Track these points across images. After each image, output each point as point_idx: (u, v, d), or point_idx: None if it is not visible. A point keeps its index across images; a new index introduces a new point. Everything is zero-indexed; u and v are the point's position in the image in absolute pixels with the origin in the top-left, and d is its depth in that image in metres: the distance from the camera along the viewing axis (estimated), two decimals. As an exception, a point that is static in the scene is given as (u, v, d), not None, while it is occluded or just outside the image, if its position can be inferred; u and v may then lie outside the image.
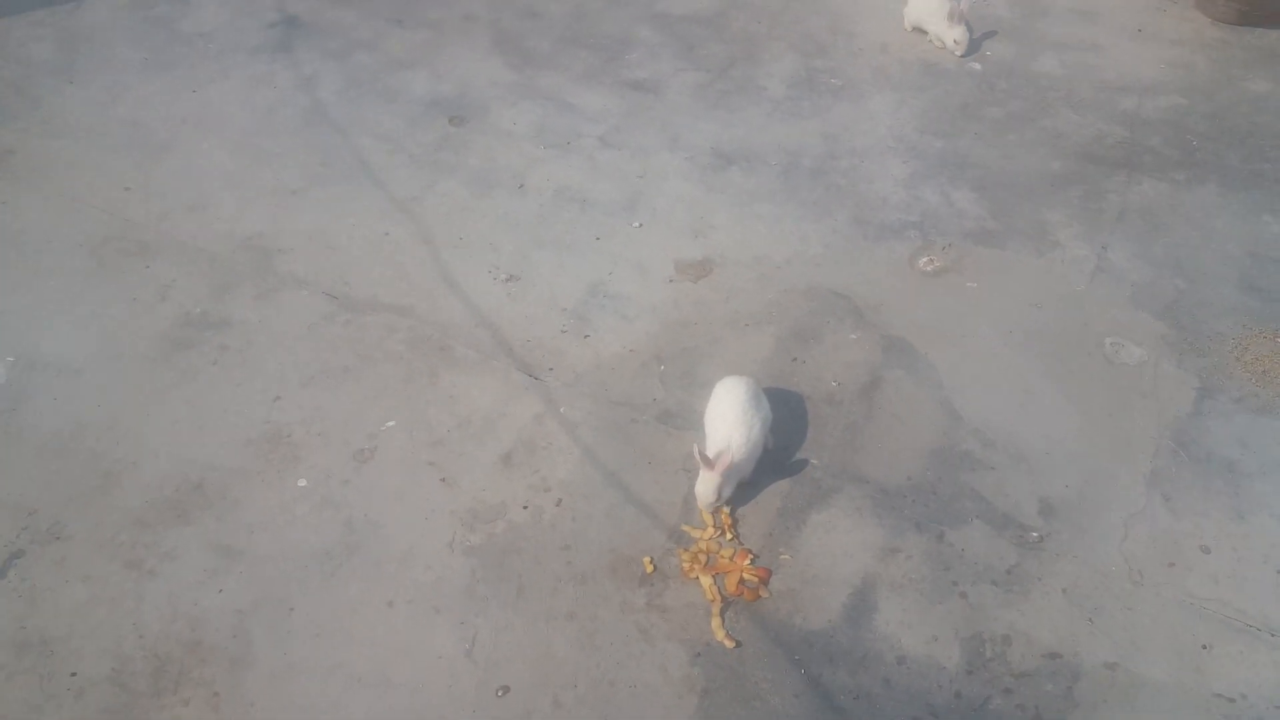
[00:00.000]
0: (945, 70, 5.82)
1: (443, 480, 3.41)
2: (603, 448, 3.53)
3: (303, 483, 3.38)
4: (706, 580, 3.13)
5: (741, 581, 3.13)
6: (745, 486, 3.42)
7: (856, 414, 3.73)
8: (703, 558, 3.20)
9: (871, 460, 3.55)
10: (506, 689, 2.86)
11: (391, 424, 3.58)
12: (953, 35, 5.80)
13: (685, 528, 3.30)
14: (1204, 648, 3.01)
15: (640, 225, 4.59)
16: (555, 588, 3.11)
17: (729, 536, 3.27)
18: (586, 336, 3.99)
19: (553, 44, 5.88)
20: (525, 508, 3.33)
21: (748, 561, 3.20)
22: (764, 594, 3.13)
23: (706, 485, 3.18)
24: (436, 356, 3.85)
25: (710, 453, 3.19)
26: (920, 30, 5.98)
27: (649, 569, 3.17)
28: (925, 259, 4.52)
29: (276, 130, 5.05)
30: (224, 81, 5.42)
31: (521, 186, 4.77)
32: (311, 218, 4.50)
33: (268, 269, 4.21)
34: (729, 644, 2.99)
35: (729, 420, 3.27)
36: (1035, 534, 3.35)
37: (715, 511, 3.31)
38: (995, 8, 6.44)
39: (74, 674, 2.87)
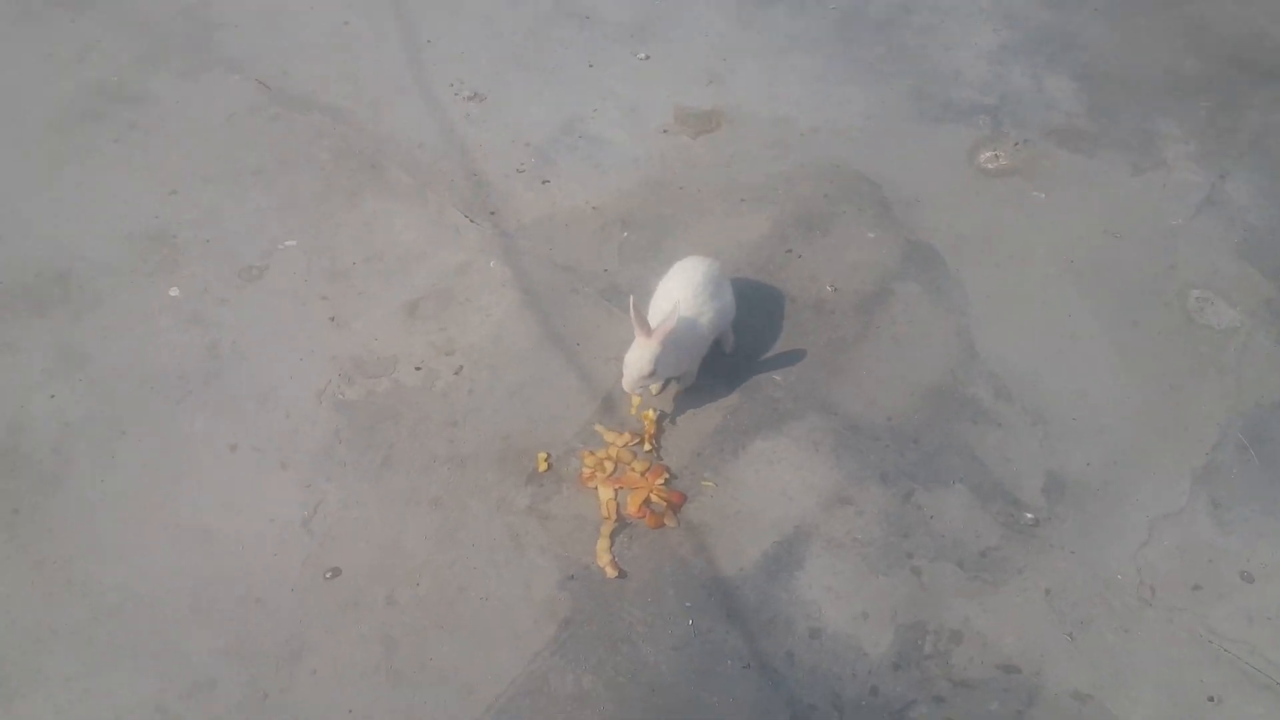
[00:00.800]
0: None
1: (332, 319, 2.90)
2: (528, 316, 2.96)
3: (175, 292, 2.92)
4: (606, 493, 2.61)
5: (647, 503, 2.60)
6: (684, 393, 2.83)
7: (847, 329, 3.06)
8: (609, 465, 2.67)
9: (848, 388, 2.91)
10: (337, 571, 2.44)
11: (292, 243, 3.06)
12: None
13: (599, 428, 2.75)
14: (1210, 700, 2.38)
15: (646, 57, 3.82)
16: (427, 467, 2.63)
17: (647, 448, 2.72)
18: (545, 182, 3.34)
19: None
20: (418, 369, 2.82)
21: (660, 481, 2.65)
22: (669, 523, 2.59)
23: (640, 355, 2.55)
24: (364, 174, 3.27)
25: (652, 321, 2.59)
26: None
27: (542, 466, 2.66)
28: (989, 154, 3.67)
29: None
30: None
31: (518, -10, 4.01)
32: (266, -8, 3.87)
33: (201, 44, 3.63)
34: (611, 572, 2.49)
35: (679, 299, 2.66)
36: (1030, 515, 2.70)
37: (639, 412, 2.74)
38: None
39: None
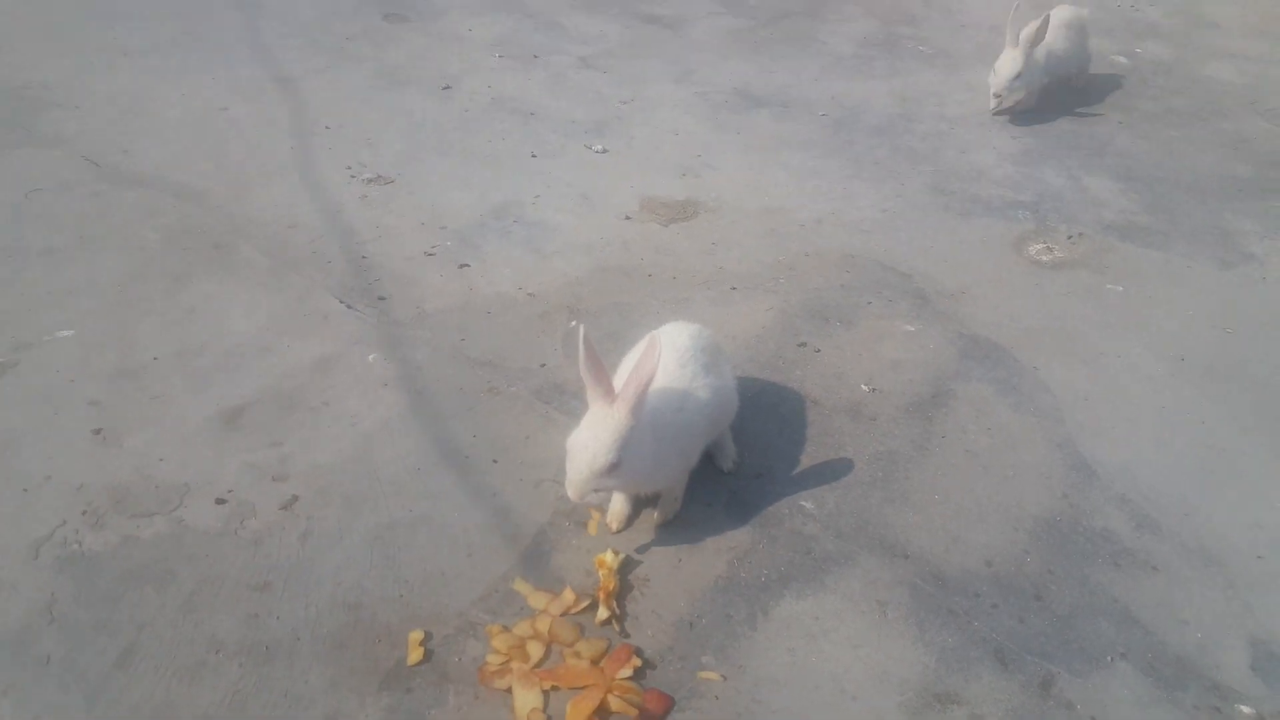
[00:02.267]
0: (1077, 59, 4.33)
1: (97, 432, 1.87)
2: (416, 425, 1.96)
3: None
4: (528, 698, 1.47)
5: (603, 713, 1.46)
6: (665, 527, 1.78)
7: (899, 439, 2.08)
8: (535, 649, 1.55)
9: (915, 520, 1.88)
10: None
11: (67, 334, 2.10)
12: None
13: (520, 586, 1.66)
14: None
15: (604, 151, 3.14)
16: (202, 663, 1.49)
17: (603, 616, 1.61)
18: (464, 266, 2.48)
19: (561, -27, 4.66)
20: (221, 501, 1.75)
21: (626, 673, 1.52)
22: (644, 750, 1.44)
23: (597, 435, 1.55)
24: (202, 255, 2.39)
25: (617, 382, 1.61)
26: None
27: (415, 655, 1.53)
28: (1040, 245, 2.92)
29: None
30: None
31: (447, 88, 3.41)
32: (131, 79, 3.22)
33: (25, 122, 2.89)
34: None
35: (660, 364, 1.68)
36: (1248, 710, 1.61)
37: (598, 552, 1.67)
38: (1145, 13, 5.00)
39: None
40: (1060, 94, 3.89)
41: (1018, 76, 3.15)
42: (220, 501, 1.74)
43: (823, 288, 2.59)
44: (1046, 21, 3.20)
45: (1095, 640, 1.71)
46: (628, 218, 2.79)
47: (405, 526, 1.73)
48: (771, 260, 2.68)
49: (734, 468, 1.94)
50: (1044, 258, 2.87)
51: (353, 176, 2.80)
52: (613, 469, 1.53)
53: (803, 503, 1.89)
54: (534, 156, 3.04)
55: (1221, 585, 1.86)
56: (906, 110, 3.70)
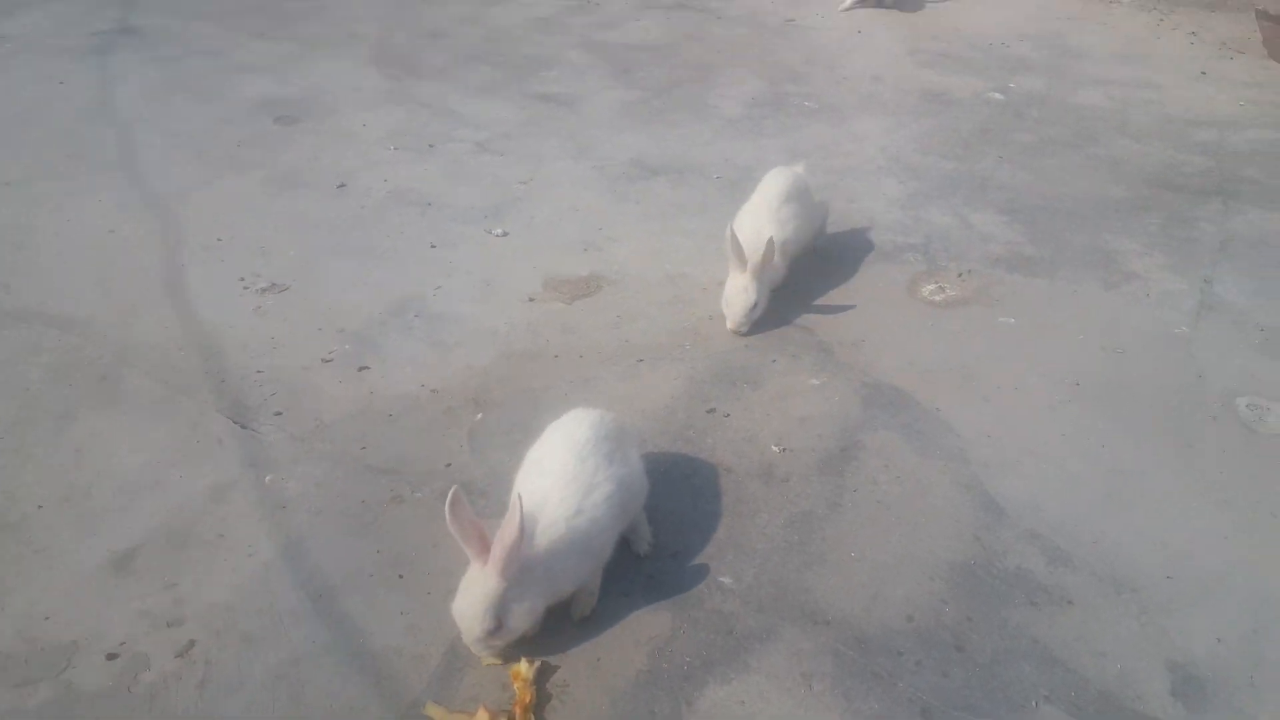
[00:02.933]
0: (956, 99, 4.54)
1: (-25, 594, 1.76)
2: (318, 547, 1.90)
3: None
4: (447, 833, 1.41)
5: (524, 838, 1.40)
6: (581, 622, 1.74)
7: (813, 499, 2.09)
8: (451, 777, 1.49)
9: (835, 581, 1.88)
10: None
11: (-62, 493, 1.99)
12: None
13: (431, 710, 1.60)
14: None
15: (504, 234, 3.15)
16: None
17: (519, 730, 1.56)
18: (364, 369, 2.43)
19: (452, 60, 4.71)
20: (113, 656, 1.66)
21: (546, 789, 1.47)
22: None
23: (468, 608, 1.58)
24: (89, 389, 2.31)
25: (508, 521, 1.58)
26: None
27: (327, 801, 1.46)
28: (932, 286, 3.00)
29: (29, 123, 3.76)
30: (-1, 76, 4.23)
31: (342, 186, 3.39)
32: (10, 212, 3.12)
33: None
34: None
35: (553, 474, 1.67)
36: (1177, 740, 1.62)
37: (506, 664, 1.62)
38: (1016, 49, 5.26)
39: None
40: (943, 136, 4.05)
41: (754, 306, 2.59)
42: (111, 657, 1.65)
43: (728, 350, 2.62)
44: (772, 245, 2.59)
45: (1018, 686, 1.71)
46: (531, 299, 2.79)
47: (309, 660, 1.66)
48: (676, 328, 2.70)
49: (650, 550, 1.92)
50: (937, 298, 2.95)
51: (246, 288, 2.75)
52: (494, 633, 1.56)
53: (721, 578, 1.88)
54: (433, 247, 3.03)
55: (1135, 612, 1.89)
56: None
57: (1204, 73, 5.02)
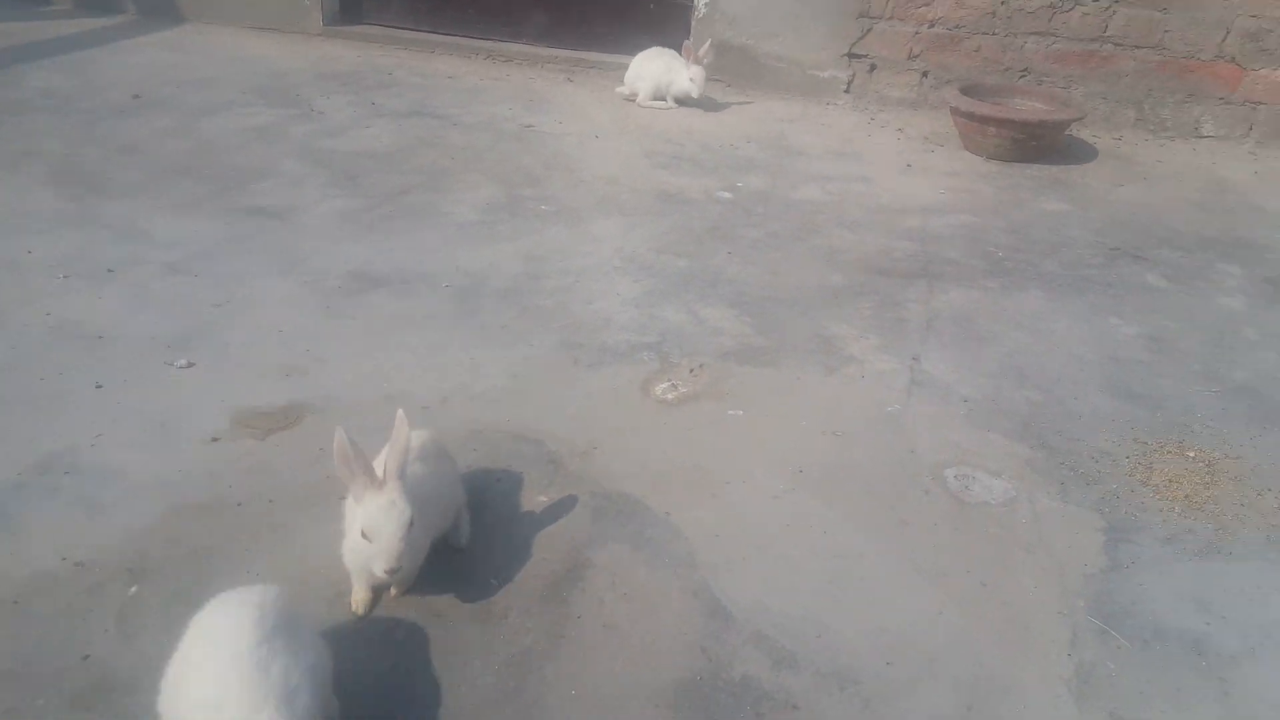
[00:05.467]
0: (689, 199, 4.83)
1: None
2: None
3: None
4: None
5: None
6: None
7: (535, 634, 2.01)
8: None
9: (555, 721, 1.78)
10: None
11: None
12: (688, 74, 6.06)
13: None
14: None
15: (188, 365, 2.90)
16: None
17: None
18: (-8, 544, 2.10)
19: (148, 176, 4.41)
20: None
21: None
22: None
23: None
24: None
25: None
26: (647, 100, 6.20)
27: None
28: (665, 384, 3.08)
29: None
30: None
31: (-12, 325, 3.01)
32: None
33: None
34: None
35: (200, 698, 1.46)
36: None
37: None
38: (743, 150, 5.72)
39: None
40: (677, 235, 4.28)
41: (411, 522, 1.84)
42: None
43: (447, 475, 2.52)
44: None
45: (745, 805, 1.69)
46: (215, 439, 2.56)
47: None
48: (390, 456, 2.57)
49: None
50: (669, 395, 3.03)
51: None
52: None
53: (425, 742, 1.73)
54: (99, 387, 2.74)
55: (859, 706, 1.94)
56: (533, 269, 3.85)
57: (910, 165, 5.70)
